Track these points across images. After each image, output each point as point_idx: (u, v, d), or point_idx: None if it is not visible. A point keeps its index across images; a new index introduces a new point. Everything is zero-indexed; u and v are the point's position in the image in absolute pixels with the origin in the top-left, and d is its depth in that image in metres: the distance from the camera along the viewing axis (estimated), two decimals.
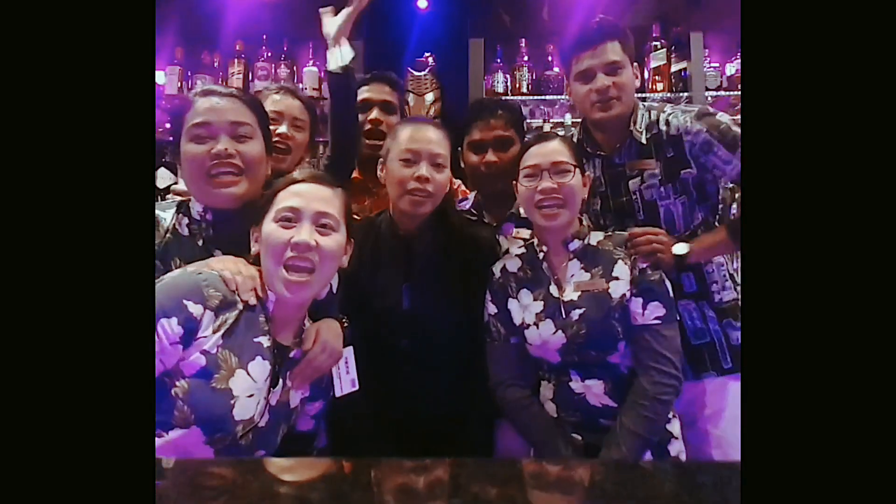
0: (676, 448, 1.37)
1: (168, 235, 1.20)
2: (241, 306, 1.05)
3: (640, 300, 1.33)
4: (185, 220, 1.22)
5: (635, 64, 1.57)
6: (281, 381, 1.09)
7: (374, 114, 1.76)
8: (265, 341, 1.06)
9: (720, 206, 1.58)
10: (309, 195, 1.10)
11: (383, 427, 1.36)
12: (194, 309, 1.00)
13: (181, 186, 1.55)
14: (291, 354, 1.11)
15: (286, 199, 1.09)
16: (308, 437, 1.21)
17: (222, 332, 1.02)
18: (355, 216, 1.69)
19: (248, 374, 1.02)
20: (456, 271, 1.45)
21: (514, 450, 1.45)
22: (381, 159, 1.45)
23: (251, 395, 1.02)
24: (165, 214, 1.22)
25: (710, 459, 1.46)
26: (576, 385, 1.36)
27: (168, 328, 0.97)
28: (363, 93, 1.78)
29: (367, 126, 1.75)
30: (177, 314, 0.98)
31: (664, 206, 1.52)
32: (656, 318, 1.32)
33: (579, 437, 1.36)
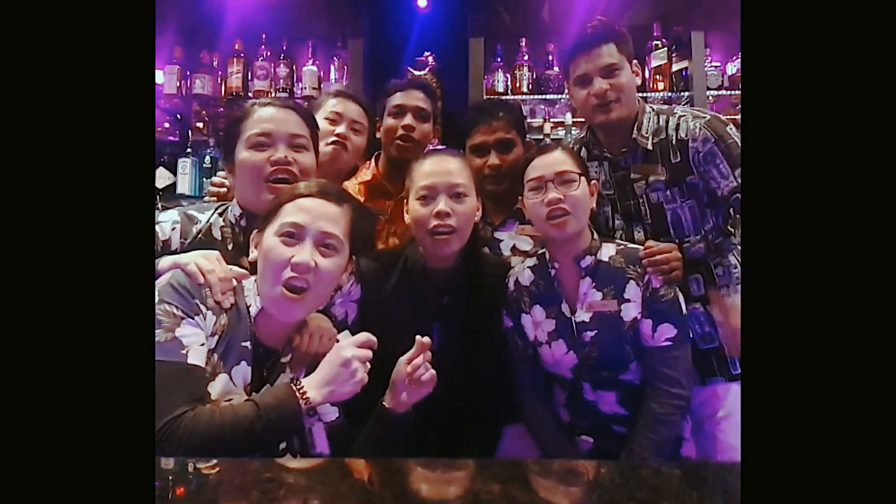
0: (688, 450, 1.38)
1: (200, 236, 1.23)
2: (227, 308, 1.03)
3: (650, 322, 1.32)
4: (220, 223, 1.25)
5: (635, 62, 1.56)
6: (268, 386, 1.07)
7: (408, 119, 1.74)
8: (250, 346, 1.05)
9: (731, 210, 1.56)
10: (315, 212, 1.07)
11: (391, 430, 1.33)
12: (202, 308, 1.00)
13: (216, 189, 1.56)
14: (283, 359, 1.09)
15: (291, 213, 1.06)
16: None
17: (217, 335, 1.01)
18: (390, 241, 1.67)
19: (231, 378, 1.01)
20: (485, 310, 1.41)
21: (518, 453, 1.46)
22: (404, 198, 1.41)
23: (229, 400, 1.00)
24: (202, 216, 1.26)
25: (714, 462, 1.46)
26: (588, 394, 1.37)
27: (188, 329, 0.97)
28: (397, 98, 1.77)
29: (400, 131, 1.74)
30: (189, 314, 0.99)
31: (671, 209, 1.52)
32: (667, 340, 1.31)
33: (590, 440, 1.37)
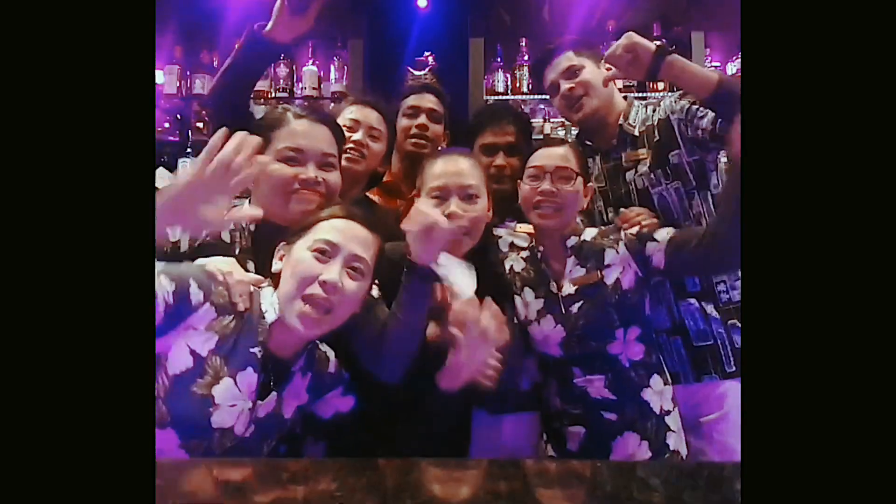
0: (675, 441, 1.38)
1: (209, 238, 1.22)
2: (241, 311, 1.03)
3: (655, 243, 1.35)
4: (230, 226, 1.24)
5: (604, 62, 1.61)
6: (275, 394, 1.07)
7: (421, 119, 1.82)
8: (258, 352, 1.04)
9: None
10: (350, 234, 1.08)
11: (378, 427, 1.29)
12: (195, 295, 0.99)
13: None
14: (293, 368, 1.09)
15: (327, 230, 1.07)
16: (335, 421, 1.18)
17: (218, 335, 1.01)
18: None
19: (236, 383, 1.01)
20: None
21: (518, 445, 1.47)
22: (414, 193, 1.41)
23: (233, 405, 1.00)
24: None
25: (710, 461, 1.46)
26: (578, 379, 1.39)
27: (162, 293, 0.95)
28: (411, 101, 1.85)
29: (414, 130, 1.81)
30: (176, 288, 0.97)
31: (657, 193, 1.55)
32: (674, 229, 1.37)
33: (582, 430, 1.38)
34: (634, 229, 1.42)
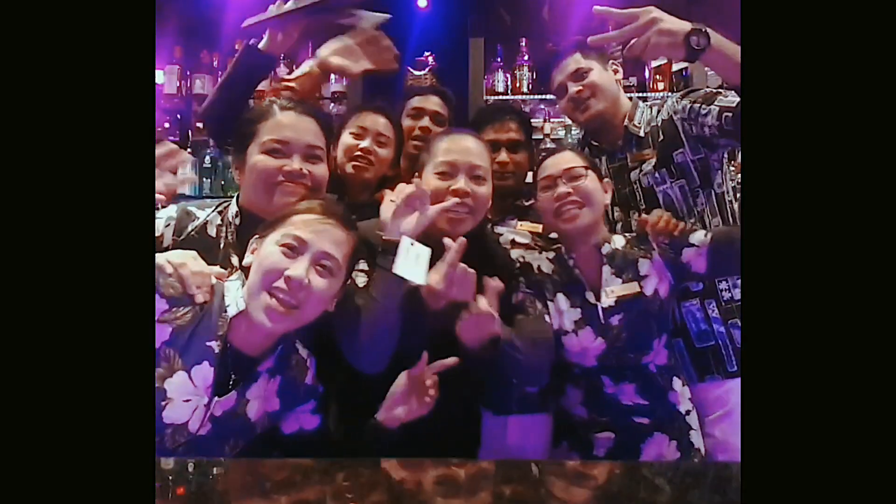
0: (697, 439, 1.39)
1: (194, 233, 1.21)
2: (199, 303, 1.01)
3: (694, 249, 1.34)
4: (218, 221, 1.24)
5: (612, 63, 1.66)
6: (235, 393, 1.03)
7: (425, 121, 1.82)
8: (216, 346, 1.01)
9: (726, 195, 1.59)
10: (322, 231, 1.05)
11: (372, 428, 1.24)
12: None
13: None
14: (259, 368, 1.06)
15: (298, 226, 1.05)
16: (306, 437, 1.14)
17: (171, 326, 0.98)
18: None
19: (190, 377, 0.99)
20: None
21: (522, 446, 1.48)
22: (416, 174, 1.38)
23: (187, 400, 0.98)
24: (201, 213, 1.25)
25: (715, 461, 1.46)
26: (608, 388, 1.37)
27: None
28: (416, 102, 1.85)
29: (417, 132, 1.81)
30: None
31: (661, 191, 1.56)
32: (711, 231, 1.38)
33: (612, 435, 1.36)
34: (667, 239, 1.38)
